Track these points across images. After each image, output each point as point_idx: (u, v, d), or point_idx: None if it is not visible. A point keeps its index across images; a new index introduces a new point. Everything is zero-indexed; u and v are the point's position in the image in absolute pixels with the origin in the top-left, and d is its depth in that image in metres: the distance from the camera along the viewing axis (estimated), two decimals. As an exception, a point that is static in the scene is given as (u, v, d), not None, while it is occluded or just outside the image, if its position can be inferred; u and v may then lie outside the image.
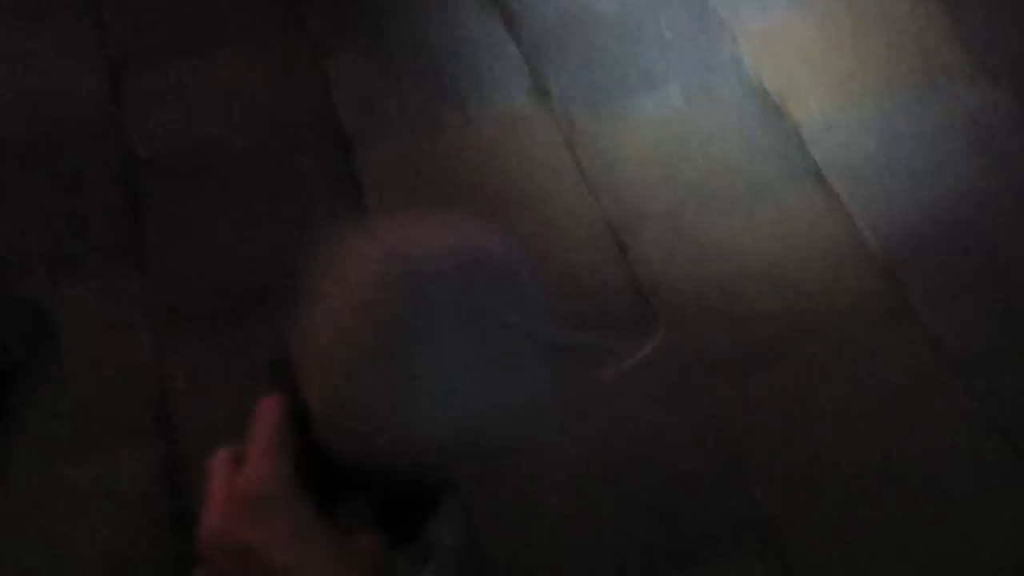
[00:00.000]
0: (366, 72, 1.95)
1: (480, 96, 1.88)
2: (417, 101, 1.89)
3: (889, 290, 1.60)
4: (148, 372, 1.60)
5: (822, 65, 1.86)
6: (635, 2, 1.98)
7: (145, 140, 1.89)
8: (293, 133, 1.89)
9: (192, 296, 1.69)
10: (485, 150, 1.83)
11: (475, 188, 1.79)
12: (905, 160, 1.73)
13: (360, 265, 0.69)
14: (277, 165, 1.84)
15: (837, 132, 1.77)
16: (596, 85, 1.88)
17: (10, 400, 1.56)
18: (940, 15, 1.91)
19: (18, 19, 2.08)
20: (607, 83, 1.88)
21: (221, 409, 1.54)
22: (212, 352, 1.62)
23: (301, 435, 0.70)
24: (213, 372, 1.60)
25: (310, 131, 1.88)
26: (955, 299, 1.58)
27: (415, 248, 0.68)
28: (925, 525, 1.39)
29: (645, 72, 1.89)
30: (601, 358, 0.69)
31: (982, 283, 1.59)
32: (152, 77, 1.98)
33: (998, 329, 1.56)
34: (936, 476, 1.44)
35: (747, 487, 1.44)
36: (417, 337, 0.65)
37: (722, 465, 1.47)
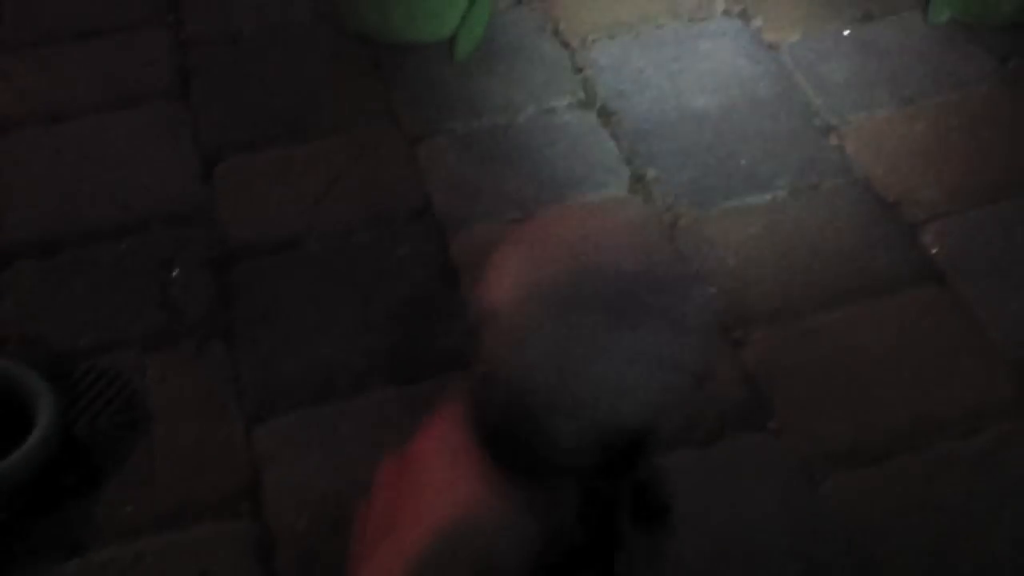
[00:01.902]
0: (460, 160, 1.93)
1: (577, 185, 1.86)
2: (511, 188, 1.87)
3: (1014, 384, 1.53)
4: (239, 449, 1.55)
5: (933, 165, 1.82)
6: (736, 102, 1.97)
7: (237, 224, 1.88)
8: (387, 218, 1.86)
9: (284, 375, 1.64)
10: (584, 241, 1.79)
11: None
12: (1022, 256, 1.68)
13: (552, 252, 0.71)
14: (369, 249, 1.81)
15: (953, 230, 1.73)
16: (698, 181, 1.85)
17: (100, 474, 1.50)
18: (1051, 119, 1.89)
19: (113, 107, 2.09)
20: (709, 179, 1.85)
21: (312, 487, 1.49)
22: (302, 430, 1.57)
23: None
24: (304, 450, 1.54)
25: (403, 217, 1.85)
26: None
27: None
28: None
29: (749, 170, 1.86)
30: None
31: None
32: (244, 164, 1.98)
33: None
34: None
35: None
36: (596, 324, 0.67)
37: (845, 557, 1.38)
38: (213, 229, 1.87)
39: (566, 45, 2.12)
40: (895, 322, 1.62)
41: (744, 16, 2.13)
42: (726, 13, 2.14)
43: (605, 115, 1.98)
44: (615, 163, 1.90)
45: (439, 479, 0.66)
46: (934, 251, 1.70)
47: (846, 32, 2.07)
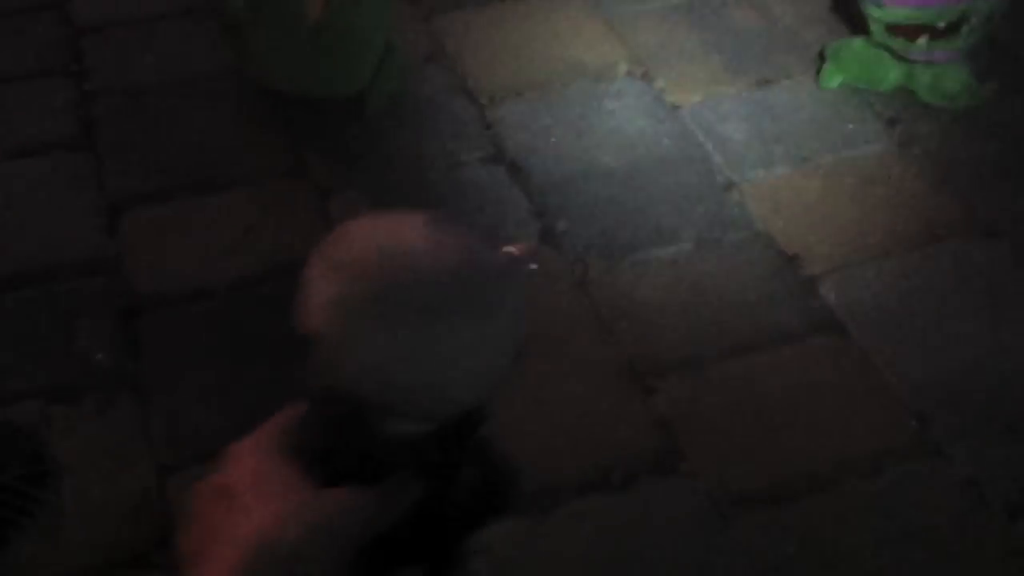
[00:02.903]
0: (370, 211, 1.94)
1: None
2: (425, 243, 1.89)
3: (913, 429, 1.60)
4: (150, 503, 1.52)
5: (829, 220, 1.91)
6: (642, 159, 2.03)
7: (144, 275, 1.85)
8: (297, 270, 1.86)
9: (195, 426, 1.62)
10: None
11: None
12: (917, 307, 1.76)
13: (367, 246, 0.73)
14: (279, 300, 1.80)
15: (849, 282, 1.80)
16: (607, 234, 1.90)
17: (6, 531, 1.45)
18: (934, 174, 1.99)
19: (15, 158, 2.06)
20: (618, 233, 1.90)
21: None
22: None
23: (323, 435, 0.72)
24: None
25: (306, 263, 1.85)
26: (982, 437, 1.58)
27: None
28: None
29: (655, 224, 1.91)
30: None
31: (1008, 419, 1.60)
32: (152, 214, 1.96)
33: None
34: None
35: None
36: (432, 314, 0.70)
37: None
38: (120, 280, 1.85)
39: (475, 102, 2.16)
40: (798, 370, 1.68)
41: (646, 77, 2.20)
42: (629, 74, 2.21)
43: (514, 170, 2.02)
44: (525, 216, 1.94)
45: (249, 499, 0.68)
46: (832, 302, 1.77)
47: (743, 95, 2.16)
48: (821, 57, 2.21)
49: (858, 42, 2.16)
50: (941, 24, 2.04)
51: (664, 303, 1.79)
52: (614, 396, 1.66)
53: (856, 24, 2.22)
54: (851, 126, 2.09)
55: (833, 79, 2.16)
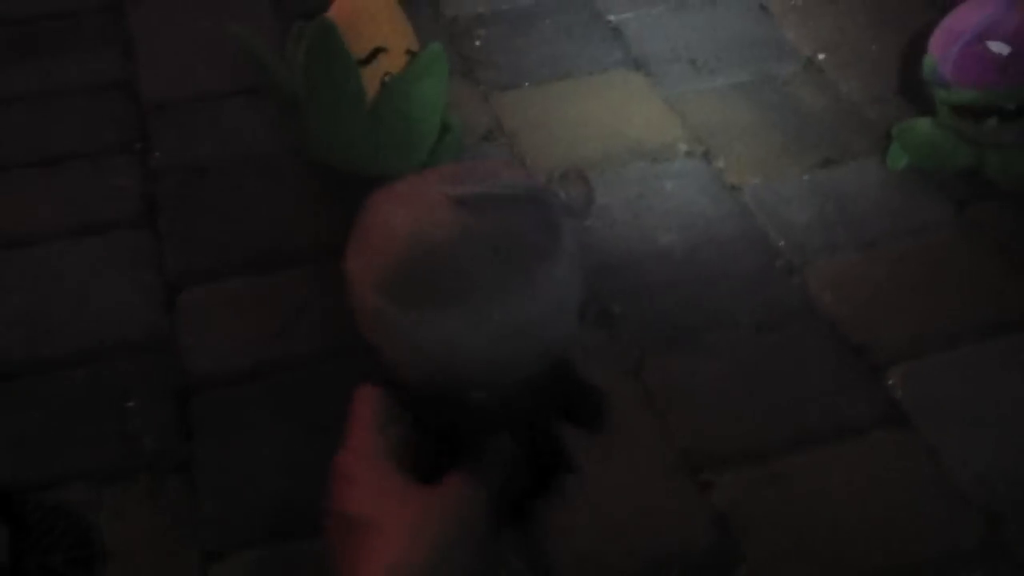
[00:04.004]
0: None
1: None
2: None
3: (983, 531, 1.53)
4: (195, 591, 1.50)
5: (895, 307, 1.85)
6: (701, 241, 2.00)
7: (198, 355, 1.85)
8: (351, 350, 1.84)
9: (243, 511, 1.60)
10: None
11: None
12: (988, 401, 1.69)
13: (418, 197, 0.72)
14: (333, 382, 1.79)
15: (916, 373, 1.74)
16: (664, 318, 1.86)
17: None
18: (1005, 260, 1.93)
19: (75, 234, 2.08)
20: (675, 316, 1.86)
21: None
22: (262, 567, 1.53)
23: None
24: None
25: (367, 348, 1.84)
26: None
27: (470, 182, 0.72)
28: None
29: (714, 309, 1.87)
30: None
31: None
32: (208, 293, 1.96)
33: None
34: None
35: None
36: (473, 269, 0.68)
37: None
38: (174, 359, 1.84)
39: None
40: (862, 466, 1.62)
41: (706, 157, 2.18)
42: (689, 154, 2.19)
43: (571, 251, 2.00)
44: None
45: (371, 523, 0.68)
46: (899, 394, 1.71)
47: (806, 176, 2.12)
48: (887, 137, 2.16)
49: (925, 123, 2.12)
50: (1011, 106, 1.99)
51: (722, 392, 1.74)
52: (669, 490, 1.61)
53: (923, 104, 2.17)
54: (918, 209, 2.04)
55: (900, 160, 2.11)
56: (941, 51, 2.03)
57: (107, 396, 1.78)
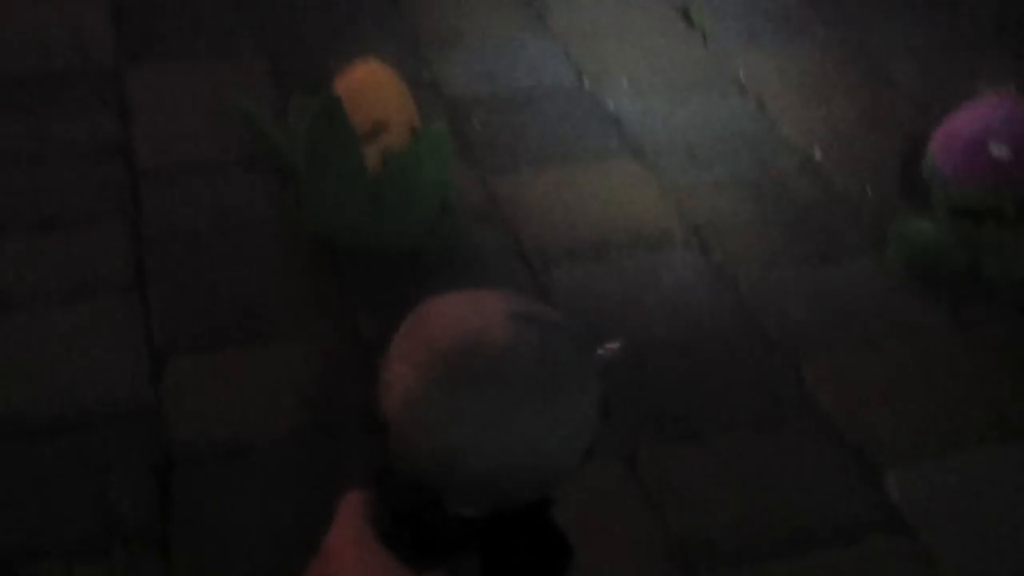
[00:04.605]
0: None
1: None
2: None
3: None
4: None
5: (893, 407, 1.83)
6: (697, 334, 1.98)
7: (183, 425, 1.81)
8: (335, 423, 1.81)
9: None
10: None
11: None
12: (987, 505, 1.67)
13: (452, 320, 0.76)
14: (318, 460, 1.75)
15: (915, 476, 1.72)
16: (659, 411, 1.83)
17: None
18: (1003, 361, 1.92)
19: (64, 299, 2.04)
20: (670, 410, 1.83)
21: None
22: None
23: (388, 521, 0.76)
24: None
25: (357, 427, 1.80)
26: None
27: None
28: None
29: (710, 403, 1.85)
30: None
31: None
32: (196, 363, 1.93)
33: None
34: None
35: None
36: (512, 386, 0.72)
37: None
38: (157, 429, 1.80)
39: (529, 265, 2.13)
40: (859, 570, 1.59)
41: (704, 248, 2.17)
42: (686, 244, 2.18)
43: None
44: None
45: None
46: (896, 497, 1.68)
47: (803, 271, 2.11)
48: (883, 234, 2.17)
49: (923, 223, 2.12)
50: (1010, 211, 2.00)
51: (718, 487, 1.71)
52: (663, 585, 1.58)
53: (921, 204, 2.18)
54: (915, 309, 2.03)
55: (897, 260, 2.11)
56: (942, 151, 2.05)
57: (87, 466, 1.73)
